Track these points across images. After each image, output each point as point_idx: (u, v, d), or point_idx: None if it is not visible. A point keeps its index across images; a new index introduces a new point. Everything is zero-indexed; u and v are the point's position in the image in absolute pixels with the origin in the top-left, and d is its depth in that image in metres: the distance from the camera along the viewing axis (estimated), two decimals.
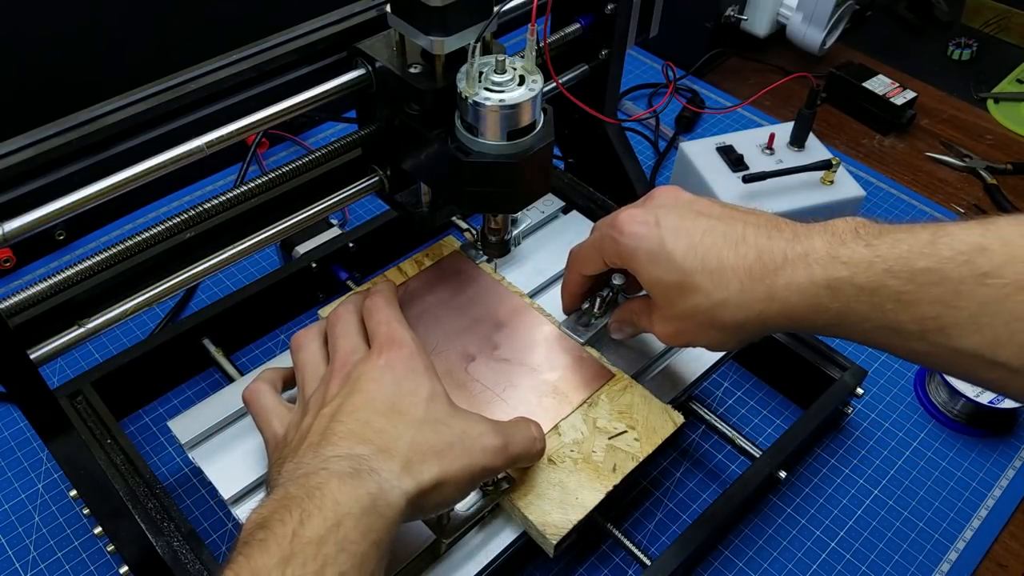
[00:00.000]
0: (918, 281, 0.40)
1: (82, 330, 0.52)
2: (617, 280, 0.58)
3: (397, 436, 0.45)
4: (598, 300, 0.60)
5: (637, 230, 0.49)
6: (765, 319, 0.46)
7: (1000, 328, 0.38)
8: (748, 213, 0.48)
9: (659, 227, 0.48)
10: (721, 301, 0.46)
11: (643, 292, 0.55)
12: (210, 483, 0.54)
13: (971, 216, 0.42)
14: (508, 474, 0.52)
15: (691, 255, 0.47)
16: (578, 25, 0.69)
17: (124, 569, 0.53)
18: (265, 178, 0.56)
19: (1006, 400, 0.65)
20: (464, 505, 0.51)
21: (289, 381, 0.55)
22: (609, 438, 0.54)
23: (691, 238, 0.47)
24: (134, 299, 0.53)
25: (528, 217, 0.71)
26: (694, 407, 0.63)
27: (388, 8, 0.51)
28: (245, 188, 0.55)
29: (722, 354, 0.62)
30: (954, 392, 0.66)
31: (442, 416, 0.47)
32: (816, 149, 0.86)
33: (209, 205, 0.53)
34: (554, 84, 0.57)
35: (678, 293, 0.48)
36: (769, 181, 0.80)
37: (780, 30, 1.03)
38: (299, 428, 0.47)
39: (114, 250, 0.51)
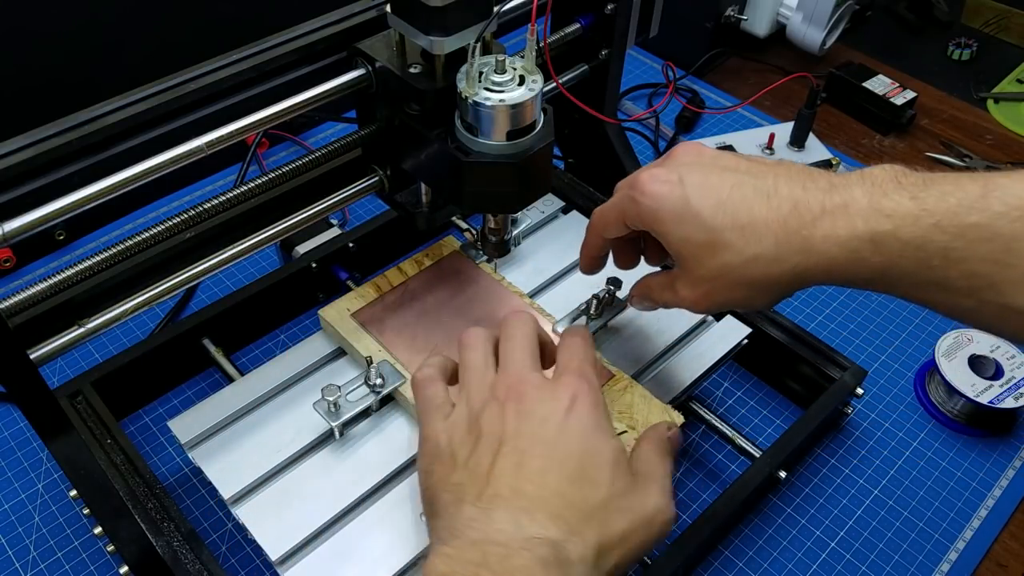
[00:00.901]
0: (968, 237, 0.38)
1: (82, 330, 0.52)
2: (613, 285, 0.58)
3: (589, 517, 0.43)
4: (595, 301, 0.60)
5: (659, 189, 0.46)
6: (802, 273, 0.43)
7: None
8: (777, 164, 0.46)
9: (683, 185, 0.45)
10: (754, 256, 0.44)
11: (657, 269, 0.54)
12: (210, 483, 0.54)
13: (1018, 168, 0.40)
14: None
15: (720, 212, 0.44)
16: (578, 25, 0.69)
17: (124, 569, 0.53)
18: (265, 178, 0.56)
19: (1006, 400, 0.65)
20: None
21: (454, 376, 0.52)
22: None
23: (719, 194, 0.45)
24: (134, 299, 0.53)
25: (528, 217, 0.71)
26: (694, 407, 0.63)
27: (388, 8, 0.51)
28: (245, 188, 0.55)
29: (723, 354, 0.62)
30: (954, 392, 0.66)
31: (626, 488, 0.44)
32: (816, 149, 0.86)
33: (209, 205, 0.53)
34: (554, 84, 0.57)
35: (708, 252, 0.45)
36: None
37: (780, 30, 1.03)
38: (474, 452, 0.45)
39: (114, 250, 0.51)
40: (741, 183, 0.45)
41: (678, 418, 0.56)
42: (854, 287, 0.43)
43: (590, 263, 0.56)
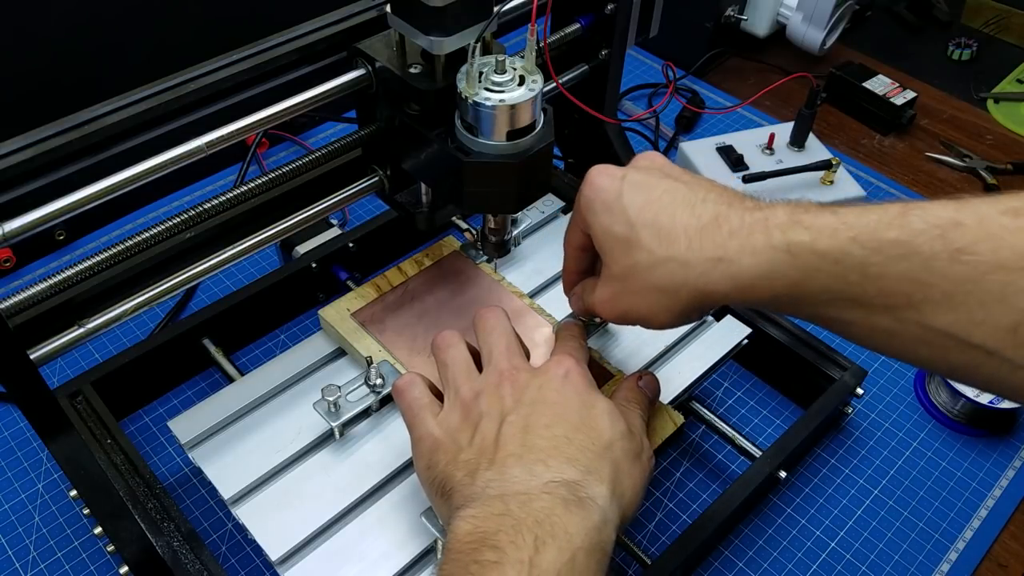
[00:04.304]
0: (886, 253, 0.37)
1: (82, 330, 0.52)
2: None
3: (600, 456, 0.45)
4: None
5: (601, 182, 0.48)
6: (709, 283, 0.43)
7: (975, 308, 0.36)
8: (717, 185, 0.46)
9: (623, 181, 0.47)
10: (664, 258, 0.44)
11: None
12: (210, 483, 0.54)
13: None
14: None
15: (645, 210, 0.45)
16: (578, 25, 0.69)
17: (124, 569, 0.53)
18: (265, 178, 0.56)
19: (1006, 400, 0.65)
20: None
21: (431, 386, 0.52)
22: None
23: (649, 195, 0.46)
24: (134, 299, 0.53)
25: (528, 217, 0.71)
26: (694, 407, 0.63)
27: (388, 8, 0.51)
28: (245, 188, 0.55)
29: (723, 354, 0.62)
30: (954, 392, 0.66)
31: (624, 431, 0.47)
32: (816, 149, 0.86)
33: (209, 205, 0.53)
34: (554, 84, 0.57)
35: (623, 248, 0.46)
36: (769, 181, 0.80)
37: (780, 30, 1.03)
38: (476, 432, 0.46)
39: (114, 250, 0.51)
40: (674, 189, 0.46)
41: (678, 418, 0.56)
42: (765, 307, 0.43)
43: (567, 276, 0.55)
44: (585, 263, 0.53)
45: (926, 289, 0.37)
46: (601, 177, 0.48)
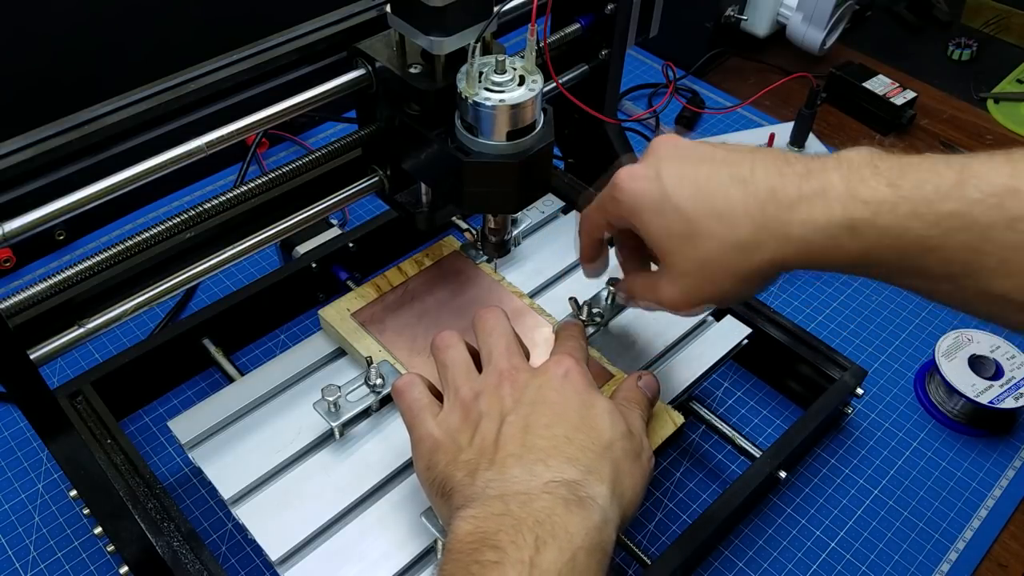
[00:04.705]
0: (944, 226, 0.38)
1: (82, 330, 0.52)
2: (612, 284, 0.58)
3: (600, 456, 0.45)
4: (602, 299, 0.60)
5: (637, 186, 0.46)
6: (781, 259, 0.43)
7: None
8: (754, 151, 0.45)
9: (660, 179, 0.46)
10: (734, 244, 0.43)
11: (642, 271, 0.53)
12: (210, 483, 0.54)
13: (993, 151, 0.39)
14: None
15: (698, 201, 0.44)
16: (578, 25, 0.69)
17: (124, 569, 0.53)
18: (265, 178, 0.56)
19: (1006, 400, 0.65)
20: None
21: (430, 387, 0.52)
22: None
23: (695, 184, 0.45)
24: (134, 299, 0.53)
25: (528, 217, 0.71)
26: (694, 407, 0.63)
27: (388, 8, 0.51)
28: (245, 188, 0.55)
29: (723, 354, 0.62)
30: (954, 392, 0.66)
31: (624, 431, 0.47)
32: (816, 149, 0.86)
33: (209, 205, 0.53)
34: (554, 84, 0.57)
35: (688, 243, 0.45)
36: None
37: (780, 30, 1.03)
38: (476, 432, 0.46)
39: (114, 250, 0.51)
40: (717, 172, 0.45)
41: (678, 418, 0.56)
42: (833, 271, 0.44)
43: (590, 267, 0.56)
44: (602, 251, 0.55)
45: (984, 258, 0.38)
46: (633, 181, 0.47)
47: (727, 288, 0.46)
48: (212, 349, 0.67)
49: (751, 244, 0.43)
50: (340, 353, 0.62)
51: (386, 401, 0.58)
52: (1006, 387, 0.66)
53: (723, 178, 0.44)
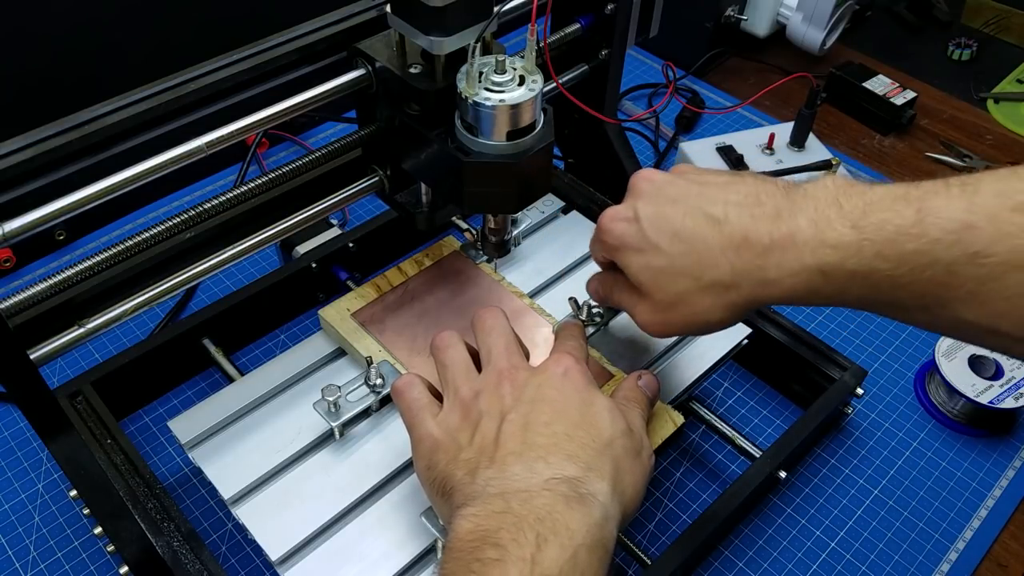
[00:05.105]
0: (910, 264, 0.39)
1: (82, 330, 0.52)
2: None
3: (600, 453, 0.45)
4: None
5: (617, 228, 0.49)
6: (758, 298, 0.45)
7: (999, 303, 0.38)
8: (727, 186, 0.47)
9: (638, 221, 0.48)
10: (711, 282, 0.46)
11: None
12: (210, 483, 0.54)
13: (948, 179, 0.41)
14: None
15: (676, 241, 0.47)
16: (578, 25, 0.69)
17: (124, 569, 0.53)
18: (265, 178, 0.56)
19: (1006, 400, 0.65)
20: None
21: (430, 387, 0.52)
22: None
23: (672, 225, 0.47)
24: (134, 299, 0.53)
25: (528, 217, 0.71)
26: (694, 407, 0.63)
27: (388, 8, 0.51)
28: (245, 188, 0.55)
29: (723, 354, 0.62)
30: (954, 392, 0.66)
31: (625, 428, 0.47)
32: (816, 149, 0.86)
33: (209, 205, 0.53)
34: (554, 84, 0.57)
35: (667, 279, 0.47)
36: None
37: (780, 30, 1.03)
38: (476, 431, 0.46)
39: (114, 250, 0.51)
40: (693, 211, 0.47)
41: (678, 418, 0.56)
42: (812, 306, 0.45)
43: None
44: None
45: (952, 290, 0.39)
46: (614, 223, 0.50)
47: (703, 321, 0.48)
48: (212, 349, 0.67)
49: (729, 284, 0.45)
50: (340, 353, 0.62)
51: (386, 401, 0.58)
52: (1006, 387, 0.66)
53: (698, 218, 0.46)
